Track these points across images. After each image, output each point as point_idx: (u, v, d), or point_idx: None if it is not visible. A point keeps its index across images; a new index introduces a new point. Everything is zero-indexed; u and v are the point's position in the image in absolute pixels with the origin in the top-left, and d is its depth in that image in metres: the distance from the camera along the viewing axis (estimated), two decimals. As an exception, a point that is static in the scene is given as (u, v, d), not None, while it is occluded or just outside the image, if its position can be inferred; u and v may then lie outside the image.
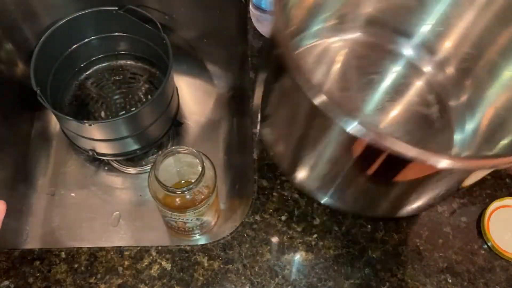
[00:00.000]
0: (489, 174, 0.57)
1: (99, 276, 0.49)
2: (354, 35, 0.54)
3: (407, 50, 0.55)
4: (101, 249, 0.51)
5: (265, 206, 0.54)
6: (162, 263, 0.50)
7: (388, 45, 0.55)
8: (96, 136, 0.64)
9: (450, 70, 0.53)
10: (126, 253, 0.50)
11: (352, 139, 0.31)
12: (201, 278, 0.49)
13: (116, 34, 0.73)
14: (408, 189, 0.39)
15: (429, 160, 0.30)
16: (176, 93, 0.72)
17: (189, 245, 0.51)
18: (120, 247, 0.51)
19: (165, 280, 0.49)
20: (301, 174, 0.43)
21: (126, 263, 0.50)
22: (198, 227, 0.60)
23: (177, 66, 0.82)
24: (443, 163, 0.30)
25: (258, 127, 0.50)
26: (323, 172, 0.41)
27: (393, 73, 0.54)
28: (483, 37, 0.49)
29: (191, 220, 0.57)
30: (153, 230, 0.70)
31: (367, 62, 0.54)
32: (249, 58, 0.64)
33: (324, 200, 0.45)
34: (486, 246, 0.53)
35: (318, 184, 0.43)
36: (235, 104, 0.79)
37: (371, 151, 0.31)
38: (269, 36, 0.38)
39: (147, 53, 0.76)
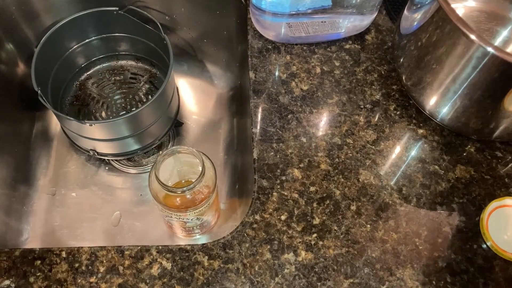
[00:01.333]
0: (488, 174, 0.57)
1: (99, 275, 0.49)
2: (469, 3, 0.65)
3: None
4: (102, 248, 0.51)
5: (265, 206, 0.54)
6: (163, 262, 0.50)
7: (501, 11, 0.63)
8: (97, 136, 0.64)
9: None
10: (126, 252, 0.51)
11: (490, 58, 0.46)
12: (201, 278, 0.49)
13: (117, 34, 0.74)
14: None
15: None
16: (177, 93, 0.72)
17: (189, 245, 0.51)
18: (120, 246, 0.51)
19: (165, 280, 0.49)
20: (429, 97, 0.57)
21: (127, 262, 0.50)
22: (198, 227, 0.60)
23: (178, 66, 0.83)
24: None
25: (404, 79, 0.59)
26: (450, 92, 0.53)
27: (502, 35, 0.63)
28: None
29: (191, 219, 0.57)
30: (153, 230, 0.70)
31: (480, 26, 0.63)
32: (249, 58, 0.64)
33: (440, 117, 0.57)
34: (485, 245, 0.53)
35: (441, 103, 0.56)
36: (235, 104, 0.80)
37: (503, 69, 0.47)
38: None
39: (147, 54, 0.76)
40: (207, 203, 0.55)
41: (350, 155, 0.58)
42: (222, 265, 0.50)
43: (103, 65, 0.78)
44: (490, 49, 0.46)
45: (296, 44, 0.66)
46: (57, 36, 0.67)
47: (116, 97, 0.75)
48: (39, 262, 0.50)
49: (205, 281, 0.49)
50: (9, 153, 0.71)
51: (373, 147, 0.58)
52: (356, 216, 0.54)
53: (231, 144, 0.77)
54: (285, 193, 0.55)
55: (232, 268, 0.50)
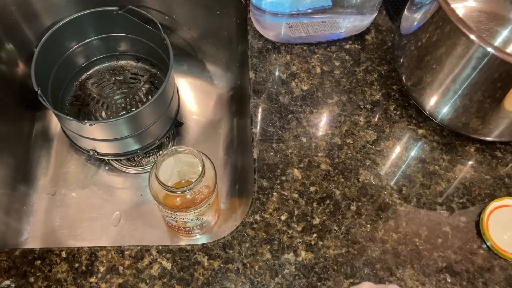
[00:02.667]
0: (488, 174, 0.57)
1: (99, 275, 0.49)
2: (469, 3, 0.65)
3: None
4: (102, 248, 0.51)
5: (265, 205, 0.54)
6: (163, 262, 0.50)
7: (501, 12, 0.63)
8: (97, 136, 0.64)
9: None
10: (126, 252, 0.51)
11: (490, 58, 0.47)
12: (201, 278, 0.50)
13: (117, 34, 0.74)
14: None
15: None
16: (177, 93, 0.72)
17: (189, 245, 0.51)
18: (120, 246, 0.51)
19: (165, 280, 0.49)
20: (429, 97, 0.57)
21: (127, 262, 0.50)
22: (198, 227, 0.60)
23: (178, 66, 0.83)
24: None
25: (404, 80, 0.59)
26: (450, 92, 0.54)
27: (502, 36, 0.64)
28: None
29: (192, 219, 0.57)
30: (153, 230, 0.70)
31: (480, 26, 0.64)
32: (249, 58, 0.64)
33: (440, 117, 0.57)
34: (485, 245, 0.53)
35: (441, 102, 0.56)
36: (235, 104, 0.80)
37: (504, 70, 0.47)
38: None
39: (147, 54, 0.76)
40: (207, 203, 0.55)
41: (350, 155, 0.58)
42: (222, 265, 0.50)
43: (103, 65, 0.78)
44: (490, 49, 0.46)
45: (296, 44, 0.66)
46: (57, 36, 0.67)
47: (116, 97, 0.75)
48: (39, 262, 0.50)
49: (205, 281, 0.49)
50: (9, 153, 0.71)
51: (373, 147, 0.58)
52: (356, 216, 0.54)
53: (231, 144, 0.77)
54: (285, 193, 0.55)
55: (232, 268, 0.50)
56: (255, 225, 0.53)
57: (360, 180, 0.56)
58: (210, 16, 0.74)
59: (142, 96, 0.76)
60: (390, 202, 0.55)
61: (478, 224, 0.54)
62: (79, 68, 0.76)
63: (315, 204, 0.54)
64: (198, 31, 0.78)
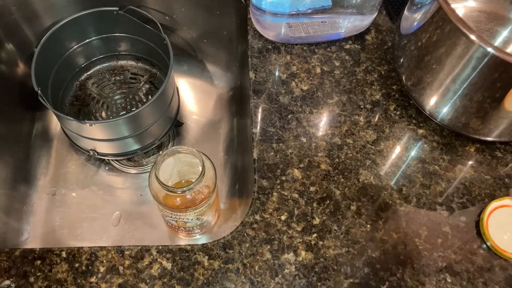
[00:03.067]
0: (488, 174, 0.57)
1: (99, 275, 0.49)
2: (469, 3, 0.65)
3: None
4: (102, 248, 0.51)
5: (265, 205, 0.54)
6: (163, 262, 0.50)
7: (501, 12, 0.64)
8: (97, 136, 0.64)
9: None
10: (126, 252, 0.51)
11: (490, 58, 0.47)
12: (201, 278, 0.50)
13: (117, 34, 0.74)
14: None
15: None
16: (177, 93, 0.72)
17: (189, 245, 0.52)
18: (120, 246, 0.51)
19: (165, 280, 0.49)
20: (429, 97, 0.57)
21: (127, 262, 0.50)
22: (198, 227, 0.60)
23: (178, 66, 0.83)
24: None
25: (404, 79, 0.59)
26: (450, 92, 0.54)
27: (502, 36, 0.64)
28: None
29: (192, 219, 0.57)
30: (153, 230, 0.70)
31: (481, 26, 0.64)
32: (249, 58, 0.64)
33: (440, 117, 0.57)
34: (485, 245, 0.53)
35: (441, 103, 0.56)
36: (235, 104, 0.80)
37: (503, 69, 0.47)
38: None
39: (147, 54, 0.76)
40: (207, 203, 0.55)
41: (350, 155, 0.58)
42: (222, 265, 0.50)
43: (103, 65, 0.78)
44: (490, 49, 0.46)
45: (296, 44, 0.66)
46: (57, 36, 0.67)
47: (116, 97, 0.75)
48: (39, 262, 0.50)
49: (205, 281, 0.49)
50: (9, 153, 0.71)
51: (373, 147, 0.58)
52: (356, 216, 0.54)
53: (231, 144, 0.77)
54: (285, 193, 0.55)
55: (232, 268, 0.50)
56: (255, 225, 0.53)
57: (360, 180, 0.56)
58: (210, 16, 0.74)
59: (142, 96, 0.76)
60: (390, 202, 0.55)
61: (478, 224, 0.54)
62: (79, 68, 0.76)
63: (315, 204, 0.54)
64: (198, 31, 0.78)
